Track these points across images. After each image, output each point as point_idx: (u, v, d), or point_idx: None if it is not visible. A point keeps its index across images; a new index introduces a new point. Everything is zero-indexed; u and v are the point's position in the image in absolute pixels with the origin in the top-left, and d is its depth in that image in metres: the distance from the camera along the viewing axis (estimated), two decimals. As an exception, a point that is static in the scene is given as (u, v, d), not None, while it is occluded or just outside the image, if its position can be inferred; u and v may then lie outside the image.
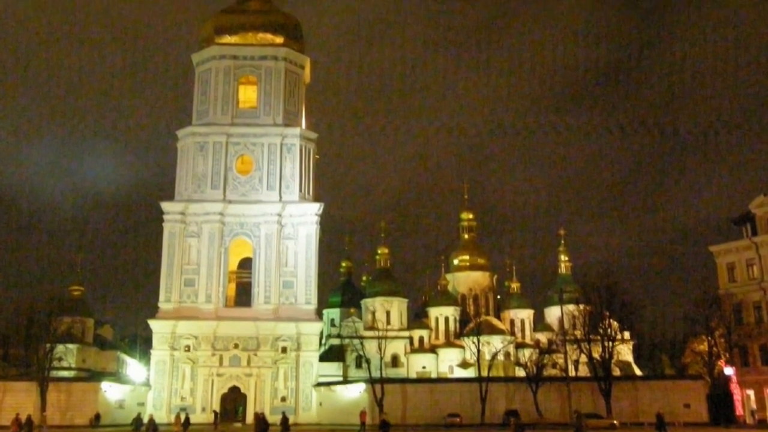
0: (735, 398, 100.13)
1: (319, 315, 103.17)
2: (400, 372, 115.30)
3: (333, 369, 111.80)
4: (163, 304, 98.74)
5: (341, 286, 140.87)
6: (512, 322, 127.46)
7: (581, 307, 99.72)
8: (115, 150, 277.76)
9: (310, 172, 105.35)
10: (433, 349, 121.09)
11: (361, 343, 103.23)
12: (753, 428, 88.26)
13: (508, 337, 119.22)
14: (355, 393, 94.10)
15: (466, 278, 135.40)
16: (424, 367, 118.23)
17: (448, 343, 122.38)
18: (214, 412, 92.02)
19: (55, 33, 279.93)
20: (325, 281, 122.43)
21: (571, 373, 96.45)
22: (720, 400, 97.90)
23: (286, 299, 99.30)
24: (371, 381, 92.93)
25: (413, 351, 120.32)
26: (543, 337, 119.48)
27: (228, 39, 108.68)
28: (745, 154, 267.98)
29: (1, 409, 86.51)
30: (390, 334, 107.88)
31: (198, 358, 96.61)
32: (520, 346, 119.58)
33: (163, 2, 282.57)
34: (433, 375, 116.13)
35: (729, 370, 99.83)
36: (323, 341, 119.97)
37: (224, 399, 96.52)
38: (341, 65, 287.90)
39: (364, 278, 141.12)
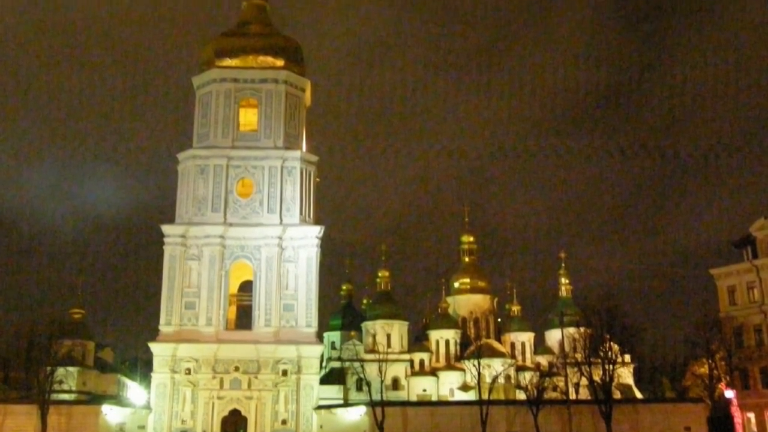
0: (735, 421, 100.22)
1: (319, 338, 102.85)
2: (401, 395, 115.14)
3: (333, 392, 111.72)
4: (163, 327, 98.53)
5: (342, 309, 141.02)
6: (513, 345, 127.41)
7: (582, 330, 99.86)
8: (116, 173, 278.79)
9: (310, 194, 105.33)
10: (433, 372, 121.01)
11: (362, 366, 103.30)
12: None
13: (509, 360, 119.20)
14: (356, 416, 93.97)
15: (467, 301, 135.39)
16: (424, 390, 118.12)
17: (449, 366, 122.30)
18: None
19: (55, 56, 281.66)
20: (326, 304, 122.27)
21: (572, 395, 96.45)
22: (721, 423, 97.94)
23: (286, 322, 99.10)
24: (372, 404, 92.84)
25: (414, 374, 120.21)
26: (543, 360, 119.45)
27: (228, 62, 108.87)
28: (745, 177, 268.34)
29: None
30: (390, 357, 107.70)
31: (198, 381, 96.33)
32: (520, 369, 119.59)
33: (163, 25, 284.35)
34: (434, 398, 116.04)
35: (730, 393, 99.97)
36: (324, 364, 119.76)
37: (225, 422, 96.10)
38: (342, 88, 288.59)
39: (365, 301, 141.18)
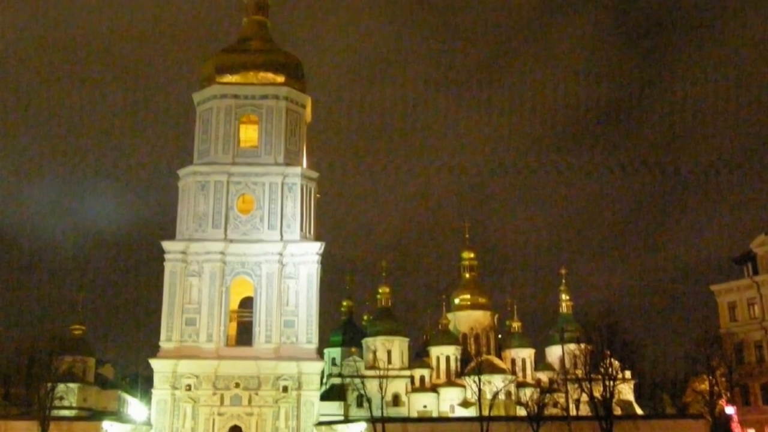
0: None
1: (320, 354, 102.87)
2: (402, 411, 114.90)
3: (334, 408, 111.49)
4: (164, 343, 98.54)
5: (342, 326, 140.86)
6: (513, 361, 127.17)
7: (582, 346, 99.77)
8: (116, 189, 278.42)
9: (311, 211, 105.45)
10: (434, 388, 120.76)
11: (362, 383, 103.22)
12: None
13: (509, 376, 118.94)
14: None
15: (467, 317, 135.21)
16: (425, 406, 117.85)
17: (449, 383, 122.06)
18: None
19: (55, 72, 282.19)
20: (327, 320, 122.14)
21: (572, 412, 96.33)
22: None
23: (287, 338, 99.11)
24: (372, 420, 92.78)
25: (414, 390, 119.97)
26: (544, 376, 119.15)
27: (229, 78, 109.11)
28: (746, 194, 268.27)
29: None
30: (391, 373, 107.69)
31: (199, 397, 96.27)
32: (521, 385, 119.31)
33: (164, 42, 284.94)
34: (435, 414, 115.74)
35: (730, 410, 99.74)
36: (324, 380, 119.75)
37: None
38: (342, 104, 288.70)
39: (365, 317, 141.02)
